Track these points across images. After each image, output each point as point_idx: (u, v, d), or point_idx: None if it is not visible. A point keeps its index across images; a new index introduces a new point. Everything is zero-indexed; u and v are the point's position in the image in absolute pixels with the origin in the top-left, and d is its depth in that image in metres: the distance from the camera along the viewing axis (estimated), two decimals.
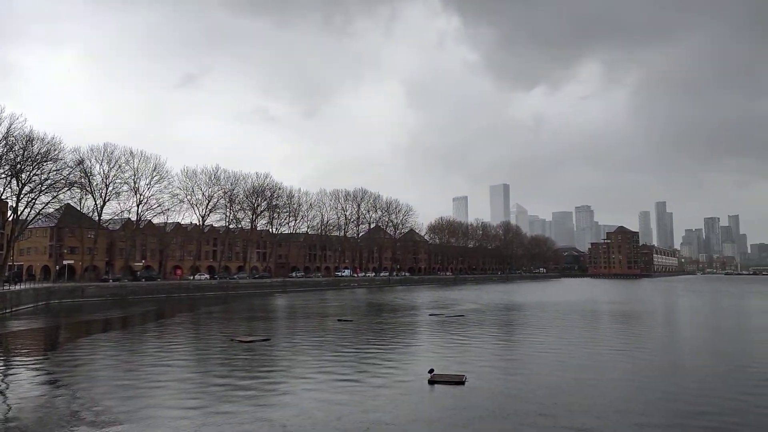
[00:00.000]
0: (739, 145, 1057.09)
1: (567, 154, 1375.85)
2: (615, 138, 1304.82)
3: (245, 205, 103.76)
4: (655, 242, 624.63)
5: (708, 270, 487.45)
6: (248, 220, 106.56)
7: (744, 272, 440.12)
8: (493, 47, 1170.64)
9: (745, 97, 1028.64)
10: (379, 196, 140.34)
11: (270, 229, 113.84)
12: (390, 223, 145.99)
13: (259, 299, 71.13)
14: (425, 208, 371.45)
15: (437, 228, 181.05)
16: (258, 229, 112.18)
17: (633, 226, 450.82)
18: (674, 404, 16.82)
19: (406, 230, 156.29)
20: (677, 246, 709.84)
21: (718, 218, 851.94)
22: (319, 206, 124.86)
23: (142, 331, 37.82)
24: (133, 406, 16.54)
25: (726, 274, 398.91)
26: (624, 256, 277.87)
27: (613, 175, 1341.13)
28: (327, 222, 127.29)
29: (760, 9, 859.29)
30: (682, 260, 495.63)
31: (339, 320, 42.80)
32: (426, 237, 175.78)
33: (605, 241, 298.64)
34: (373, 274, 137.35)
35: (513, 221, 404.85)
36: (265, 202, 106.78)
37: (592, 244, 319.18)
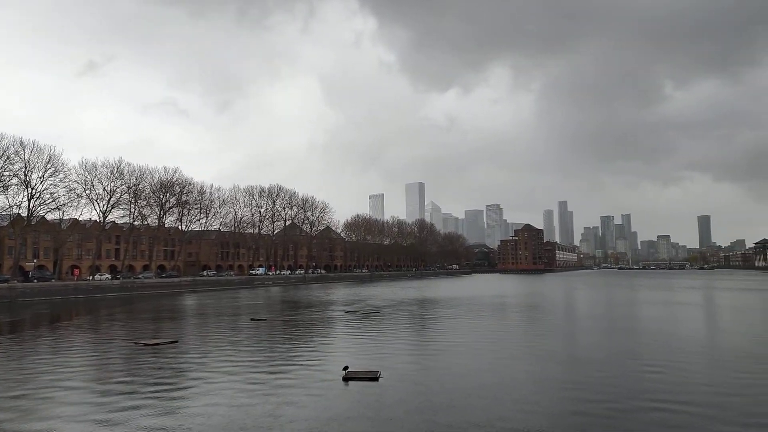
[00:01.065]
0: (629, 150, 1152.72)
1: (479, 155, 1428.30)
2: (522, 140, 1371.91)
3: (152, 200, 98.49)
4: (557, 239, 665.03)
5: (603, 265, 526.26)
6: (155, 217, 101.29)
7: (634, 267, 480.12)
8: (408, 49, 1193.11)
9: (634, 106, 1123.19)
10: (295, 192, 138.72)
11: (179, 227, 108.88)
12: (306, 221, 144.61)
13: (166, 299, 67.85)
14: (342, 205, 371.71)
15: (354, 225, 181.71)
16: (166, 226, 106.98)
17: (538, 223, 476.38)
18: (574, 392, 17.98)
19: (323, 228, 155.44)
20: (577, 242, 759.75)
21: (613, 217, 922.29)
22: (233, 203, 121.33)
23: (35, 337, 34.81)
24: (27, 419, 15.20)
25: (619, 268, 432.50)
26: (530, 252, 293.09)
27: (521, 175, 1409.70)
28: (241, 219, 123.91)
29: (644, 25, 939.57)
30: (581, 256, 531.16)
31: (252, 319, 41.79)
32: (342, 234, 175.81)
33: (513, 238, 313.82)
34: (289, 272, 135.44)
35: (428, 219, 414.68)
36: (174, 197, 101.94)
37: (501, 241, 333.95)
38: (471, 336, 31.64)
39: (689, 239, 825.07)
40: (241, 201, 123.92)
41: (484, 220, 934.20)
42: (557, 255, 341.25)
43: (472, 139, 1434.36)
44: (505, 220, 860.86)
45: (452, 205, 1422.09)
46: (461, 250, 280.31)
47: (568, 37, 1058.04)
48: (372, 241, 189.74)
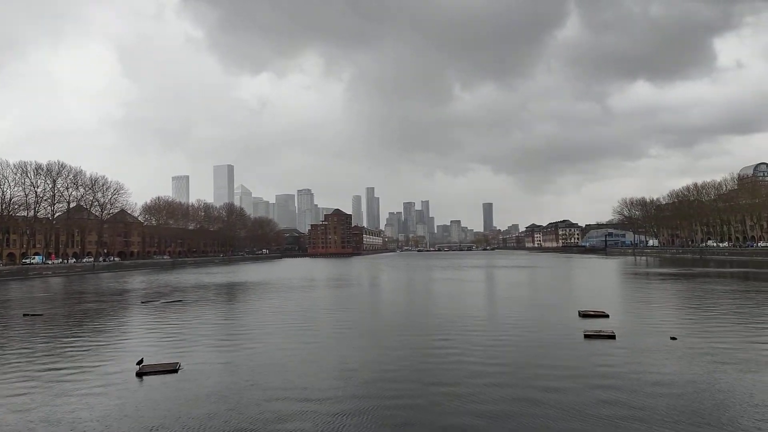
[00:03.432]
0: (426, 143, 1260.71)
1: (291, 139, 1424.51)
2: (333, 127, 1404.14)
3: None
4: (365, 224, 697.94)
5: (405, 248, 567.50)
6: None
7: (431, 249, 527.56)
8: (217, 28, 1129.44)
9: (430, 103, 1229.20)
10: (81, 171, 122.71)
11: None
12: (96, 203, 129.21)
13: None
14: (141, 187, 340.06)
15: (154, 209, 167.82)
16: None
17: (347, 209, 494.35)
18: (378, 364, 19.07)
19: (116, 211, 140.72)
20: (382, 227, 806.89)
21: (414, 203, 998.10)
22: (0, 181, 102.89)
23: None
24: None
25: (418, 251, 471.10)
26: (339, 236, 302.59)
27: (332, 162, 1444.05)
28: (10, 200, 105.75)
29: (437, 31, 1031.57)
30: (386, 239, 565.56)
31: (25, 315, 36.07)
32: (141, 218, 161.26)
33: (323, 222, 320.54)
34: (74, 260, 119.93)
35: (237, 203, 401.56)
36: None
37: (311, 225, 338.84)
38: (279, 320, 31.55)
39: (476, 224, 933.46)
40: (10, 179, 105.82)
41: (296, 204, 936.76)
42: (365, 239, 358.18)
43: (285, 123, 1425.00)
44: (316, 205, 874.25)
45: (263, 189, 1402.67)
46: (272, 234, 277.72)
47: (373, 35, 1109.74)
48: (175, 226, 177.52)
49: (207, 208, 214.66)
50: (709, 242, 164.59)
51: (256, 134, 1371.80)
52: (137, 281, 75.45)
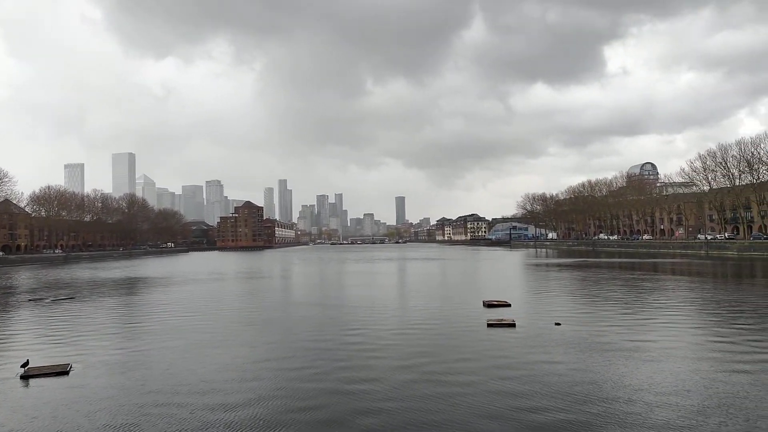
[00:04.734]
0: (339, 136, 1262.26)
1: (199, 128, 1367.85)
2: (244, 117, 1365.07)
3: None
4: (277, 216, 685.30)
5: (318, 241, 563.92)
6: None
7: (344, 242, 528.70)
8: (116, 9, 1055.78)
9: (343, 96, 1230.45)
10: None
11: None
12: None
13: None
14: (30, 175, 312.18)
15: (44, 199, 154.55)
16: None
17: (259, 201, 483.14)
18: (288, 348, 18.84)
19: (0, 201, 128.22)
20: (295, 220, 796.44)
21: (327, 196, 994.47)
22: None
23: None
24: None
25: (331, 243, 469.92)
26: (250, 229, 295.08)
27: (242, 152, 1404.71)
28: None
29: (350, 24, 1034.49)
30: (299, 232, 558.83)
31: None
32: (28, 209, 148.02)
33: (233, 215, 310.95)
34: None
35: (139, 193, 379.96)
36: None
37: (221, 218, 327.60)
38: (181, 315, 30.26)
39: (389, 217, 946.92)
40: None
41: (204, 196, 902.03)
42: (277, 232, 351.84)
43: (192, 111, 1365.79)
44: (226, 197, 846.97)
45: (168, 179, 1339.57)
46: (177, 227, 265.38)
47: (285, 26, 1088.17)
48: (68, 218, 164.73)
49: (105, 198, 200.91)
50: (601, 235, 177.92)
51: (160, 122, 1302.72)
52: (24, 277, 69.27)
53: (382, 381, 15.50)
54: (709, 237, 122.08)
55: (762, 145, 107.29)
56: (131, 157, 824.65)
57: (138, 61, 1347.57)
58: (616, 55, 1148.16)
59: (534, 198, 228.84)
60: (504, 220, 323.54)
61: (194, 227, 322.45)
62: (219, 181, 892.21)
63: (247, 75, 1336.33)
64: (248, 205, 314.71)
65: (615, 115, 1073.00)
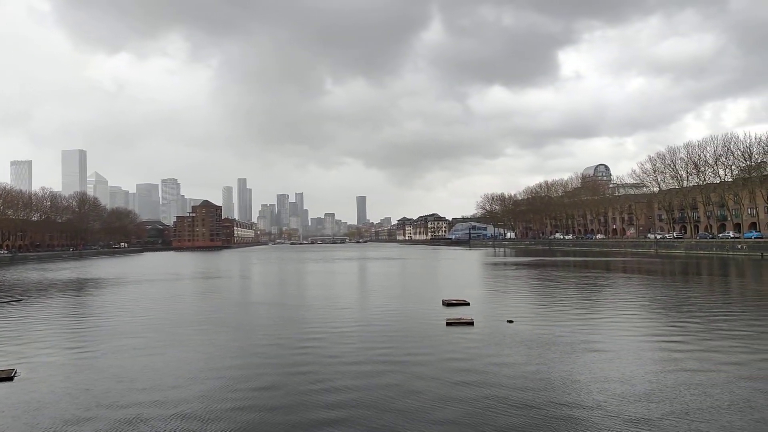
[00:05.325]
0: (298, 135, 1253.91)
1: (154, 125, 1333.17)
2: (202, 115, 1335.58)
3: None
4: (236, 216, 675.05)
5: (278, 240, 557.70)
6: None
7: (304, 241, 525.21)
8: (66, 2, 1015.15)
9: (302, 95, 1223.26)
10: None
11: None
12: None
13: None
14: None
15: None
16: None
17: (217, 200, 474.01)
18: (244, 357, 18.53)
19: None
20: (255, 219, 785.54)
21: (288, 195, 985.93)
22: None
23: None
24: None
25: (291, 243, 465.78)
26: (208, 229, 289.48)
27: (201, 151, 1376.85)
28: None
29: (309, 24, 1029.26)
30: (258, 232, 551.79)
31: None
32: None
33: (190, 214, 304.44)
34: None
35: (90, 192, 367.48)
36: None
37: (177, 217, 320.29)
38: (135, 317, 29.37)
39: (350, 216, 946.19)
40: None
41: (159, 195, 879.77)
42: (235, 231, 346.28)
43: (146, 109, 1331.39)
44: (183, 196, 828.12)
45: (122, 177, 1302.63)
46: (131, 227, 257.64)
47: (243, 24, 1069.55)
48: (15, 217, 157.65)
49: (54, 197, 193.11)
50: (557, 234, 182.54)
51: (112, 118, 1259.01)
52: None
53: (339, 380, 15.44)
54: (658, 236, 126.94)
55: (708, 148, 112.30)
56: (82, 154, 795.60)
57: (89, 56, 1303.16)
58: (569, 60, 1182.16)
59: (493, 198, 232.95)
60: (464, 219, 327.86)
61: (149, 227, 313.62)
62: (175, 180, 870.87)
63: (204, 72, 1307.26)
64: (206, 204, 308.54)
65: (569, 118, 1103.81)
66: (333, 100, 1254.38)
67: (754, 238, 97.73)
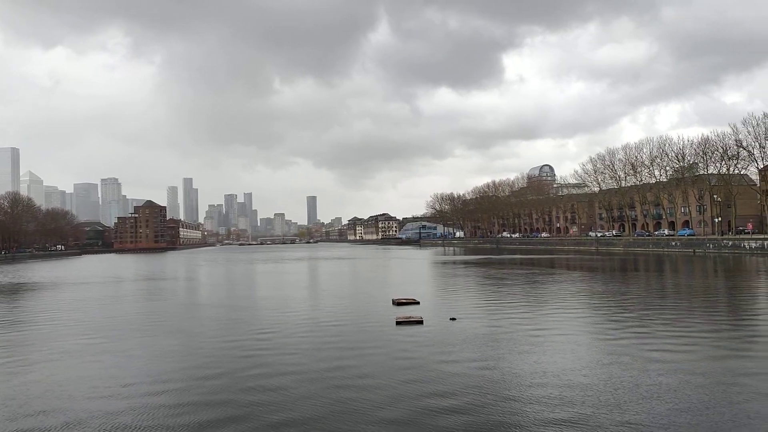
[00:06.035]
0: (246, 135, 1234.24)
1: (93, 122, 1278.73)
2: (145, 112, 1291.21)
3: None
4: (182, 216, 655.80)
5: (226, 241, 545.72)
6: None
7: (253, 242, 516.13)
8: None
9: (249, 94, 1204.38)
10: None
11: None
12: None
13: None
14: None
15: None
16: None
17: (161, 200, 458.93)
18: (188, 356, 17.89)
19: None
20: (201, 220, 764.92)
21: (236, 195, 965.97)
22: None
23: None
24: None
25: (240, 244, 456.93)
26: (151, 230, 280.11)
27: (144, 149, 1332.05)
28: None
29: (257, 22, 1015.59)
30: (206, 233, 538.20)
31: None
32: None
33: (133, 215, 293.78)
34: None
35: (24, 192, 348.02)
36: None
37: (119, 218, 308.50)
38: (71, 323, 27.94)
39: (300, 216, 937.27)
40: None
41: (99, 195, 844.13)
42: (181, 232, 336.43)
43: (85, 105, 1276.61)
44: (125, 196, 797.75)
45: (58, 177, 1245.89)
46: (68, 228, 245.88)
47: (187, 20, 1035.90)
48: None
49: None
50: (504, 233, 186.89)
51: (48, 115, 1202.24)
52: None
53: (286, 381, 15.16)
54: (599, 234, 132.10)
55: (644, 150, 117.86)
56: (14, 152, 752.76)
57: (22, 51, 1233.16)
58: (513, 64, 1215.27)
59: (442, 198, 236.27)
60: (414, 219, 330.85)
61: (88, 228, 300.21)
62: (116, 179, 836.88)
63: (146, 68, 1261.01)
64: (149, 204, 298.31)
65: (514, 120, 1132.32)
66: (281, 100, 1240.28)
67: (687, 235, 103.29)
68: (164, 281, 58.68)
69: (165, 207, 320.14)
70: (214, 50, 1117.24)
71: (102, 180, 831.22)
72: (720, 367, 15.42)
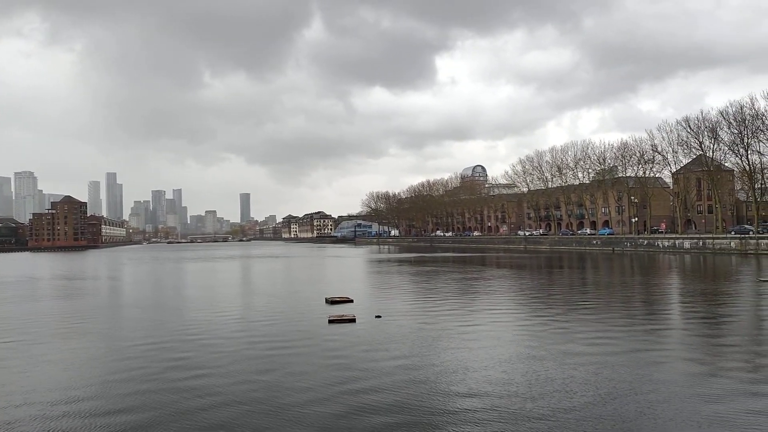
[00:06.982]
0: (174, 129, 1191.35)
1: (6, 112, 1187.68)
2: (63, 103, 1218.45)
3: None
4: (104, 213, 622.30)
5: (153, 239, 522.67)
6: None
7: (183, 240, 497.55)
8: None
9: (177, 88, 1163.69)
10: None
11: None
12: None
13: None
14: None
15: None
16: None
17: (82, 196, 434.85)
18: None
19: None
20: (126, 217, 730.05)
21: (165, 191, 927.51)
22: None
23: None
24: None
25: (169, 242, 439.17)
26: (71, 227, 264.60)
27: (61, 141, 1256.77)
28: None
29: (185, 14, 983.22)
30: (131, 231, 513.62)
31: None
32: None
33: (50, 211, 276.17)
34: None
35: None
36: None
37: (34, 214, 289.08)
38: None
39: (233, 214, 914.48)
40: None
41: (12, 189, 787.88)
42: (103, 230, 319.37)
43: None
44: (41, 191, 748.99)
45: None
46: None
47: (110, 7, 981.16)
48: None
49: None
50: (438, 232, 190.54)
51: None
52: None
53: (216, 383, 14.81)
54: (527, 233, 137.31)
55: (569, 153, 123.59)
56: None
57: None
58: (445, 66, 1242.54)
59: (378, 196, 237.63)
60: (349, 217, 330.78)
61: (0, 225, 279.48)
62: (32, 173, 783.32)
63: (65, 56, 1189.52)
64: (68, 200, 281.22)
65: (446, 121, 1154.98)
66: (212, 94, 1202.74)
67: (607, 234, 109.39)
68: (83, 281, 55.59)
69: (86, 203, 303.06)
70: (139, 39, 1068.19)
71: (16, 173, 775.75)
72: (629, 359, 16.47)
